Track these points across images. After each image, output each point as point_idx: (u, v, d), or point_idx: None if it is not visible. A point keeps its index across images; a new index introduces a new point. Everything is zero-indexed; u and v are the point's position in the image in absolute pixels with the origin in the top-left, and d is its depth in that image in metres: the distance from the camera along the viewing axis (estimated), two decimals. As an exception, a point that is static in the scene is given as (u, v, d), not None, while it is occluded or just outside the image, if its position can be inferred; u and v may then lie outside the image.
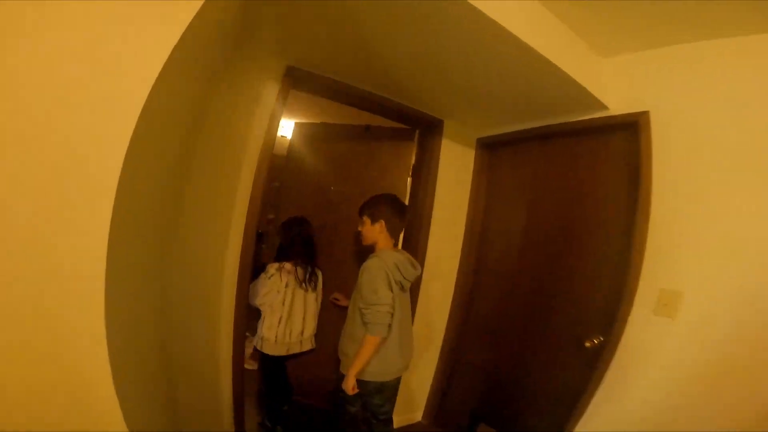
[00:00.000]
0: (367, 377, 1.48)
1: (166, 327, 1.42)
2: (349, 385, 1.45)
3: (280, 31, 1.49)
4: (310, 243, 2.12)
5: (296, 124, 2.82)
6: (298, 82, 1.79)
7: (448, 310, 2.45)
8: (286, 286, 1.97)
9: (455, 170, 2.36)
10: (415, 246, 2.23)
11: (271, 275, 1.96)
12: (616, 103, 1.70)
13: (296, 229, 2.08)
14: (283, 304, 1.97)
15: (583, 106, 1.75)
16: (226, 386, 1.75)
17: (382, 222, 1.56)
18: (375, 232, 1.57)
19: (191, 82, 0.98)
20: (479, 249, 2.39)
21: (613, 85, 1.70)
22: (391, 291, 1.42)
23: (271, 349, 2.02)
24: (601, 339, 1.60)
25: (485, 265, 2.36)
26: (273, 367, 2.11)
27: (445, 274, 2.41)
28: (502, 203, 2.32)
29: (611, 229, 1.71)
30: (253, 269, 1.75)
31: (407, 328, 1.62)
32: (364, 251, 1.72)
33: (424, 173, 2.27)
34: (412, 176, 2.37)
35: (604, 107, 1.72)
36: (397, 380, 1.61)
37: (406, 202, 2.33)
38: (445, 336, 2.45)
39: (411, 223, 2.29)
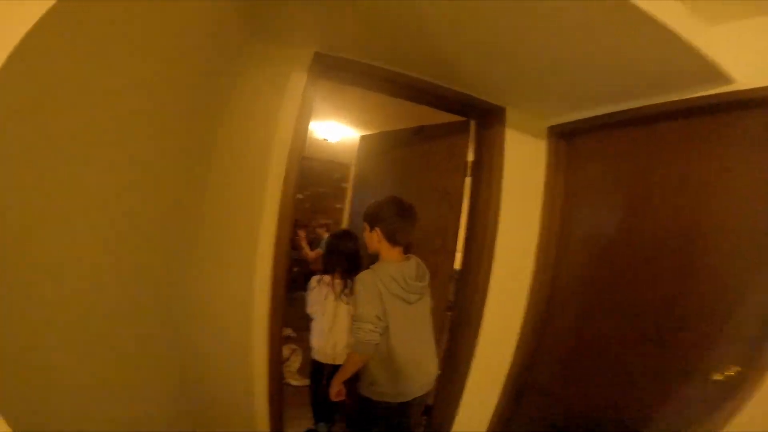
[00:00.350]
0: (382, 398, 1.37)
1: (183, 343, 1.32)
2: (333, 391, 1.45)
3: (303, 12, 1.26)
4: (353, 257, 2.02)
5: (361, 137, 2.86)
6: (329, 70, 1.56)
7: (517, 330, 2.07)
8: (325, 298, 1.96)
9: (522, 166, 1.97)
10: (478, 256, 1.90)
11: (312, 288, 2.02)
12: (744, 74, 1.27)
13: (339, 243, 2.05)
14: (324, 315, 1.96)
15: (696, 79, 1.33)
16: (262, 409, 1.57)
17: (378, 229, 1.42)
18: (373, 240, 1.45)
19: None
20: (558, 259, 1.98)
21: (735, 53, 1.28)
22: (381, 307, 1.31)
23: (317, 356, 2.02)
24: (739, 370, 1.23)
25: (565, 279, 1.95)
26: (316, 373, 2.06)
27: (514, 288, 2.04)
28: (587, 204, 1.90)
29: (754, 236, 1.25)
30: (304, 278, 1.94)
31: (420, 344, 1.45)
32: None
33: (486, 171, 1.93)
34: (472, 175, 2.03)
35: (728, 80, 1.29)
36: (421, 399, 1.49)
37: (465, 205, 2.03)
38: (513, 360, 2.08)
39: (471, 231, 1.98)
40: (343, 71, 1.60)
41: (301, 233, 3.87)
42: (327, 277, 1.99)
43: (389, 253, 1.43)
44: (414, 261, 1.47)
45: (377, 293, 1.31)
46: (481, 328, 1.94)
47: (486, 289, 1.91)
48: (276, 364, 1.55)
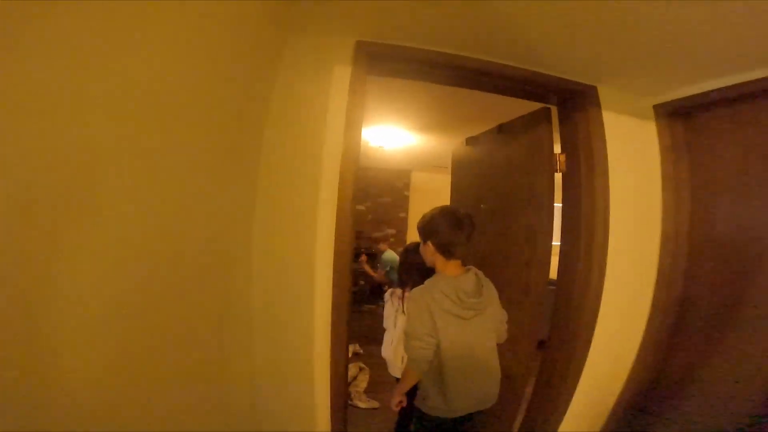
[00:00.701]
0: (433, 412, 1.34)
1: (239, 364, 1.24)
2: (393, 402, 1.47)
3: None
4: (426, 270, 1.92)
5: (453, 149, 2.73)
6: (377, 61, 1.38)
7: (635, 351, 1.72)
8: (396, 311, 1.99)
9: (626, 154, 1.61)
10: (587, 266, 1.56)
11: (387, 300, 2.08)
12: None
13: (411, 256, 1.98)
14: (394, 328, 1.99)
15: None
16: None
17: (429, 243, 1.36)
18: (428, 253, 1.40)
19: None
20: (689, 266, 1.60)
21: None
22: (432, 323, 1.25)
23: (390, 369, 2.04)
24: None
25: (701, 290, 1.56)
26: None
27: (630, 303, 1.68)
28: (728, 196, 1.49)
29: None
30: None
31: (476, 362, 1.36)
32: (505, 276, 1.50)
33: (583, 163, 1.59)
34: (563, 170, 1.70)
35: None
36: (484, 419, 1.43)
37: (557, 205, 1.74)
38: (624, 387, 1.73)
39: (570, 237, 1.66)
40: (394, 61, 1.40)
41: (363, 258, 3.97)
42: (399, 291, 2.01)
43: (444, 266, 1.36)
44: (472, 275, 1.37)
45: (427, 310, 1.26)
46: (589, 351, 1.61)
47: (597, 307, 1.57)
48: (340, 386, 1.41)
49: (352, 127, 1.31)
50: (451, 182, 2.63)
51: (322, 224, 1.34)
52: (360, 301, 5.25)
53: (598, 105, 1.55)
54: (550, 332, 1.76)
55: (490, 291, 1.38)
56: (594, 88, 1.57)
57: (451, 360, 1.28)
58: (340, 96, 1.32)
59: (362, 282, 5.39)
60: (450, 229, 1.32)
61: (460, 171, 2.53)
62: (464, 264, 1.39)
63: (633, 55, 1.35)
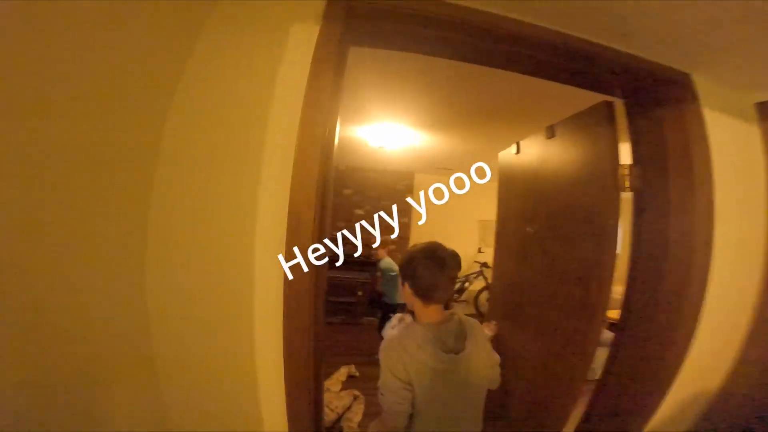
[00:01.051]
0: None
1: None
2: None
3: None
4: None
5: (499, 154, 2.39)
6: (363, 21, 0.98)
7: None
8: None
9: (721, 167, 1.20)
10: (674, 317, 1.17)
11: (393, 326, 1.88)
12: None
13: None
14: None
15: None
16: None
17: (406, 284, 1.26)
18: (406, 295, 1.29)
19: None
20: None
21: None
22: (407, 377, 1.13)
23: None
24: None
25: None
26: None
27: (712, 360, 1.31)
28: None
29: None
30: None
31: (449, 419, 1.24)
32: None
33: (674, 178, 1.18)
34: (636, 187, 1.29)
35: None
36: None
37: (624, 233, 1.36)
38: None
39: (645, 276, 1.26)
40: (387, 20, 1.00)
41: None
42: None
43: (423, 312, 1.24)
44: (454, 322, 1.25)
45: (401, 362, 1.16)
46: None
47: (679, 366, 1.18)
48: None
49: (314, 112, 0.92)
50: (498, 197, 2.28)
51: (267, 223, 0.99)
52: (358, 313, 4.88)
53: (695, 99, 1.15)
54: (605, 379, 1.39)
55: (477, 338, 1.25)
56: (687, 76, 1.17)
57: (424, 418, 1.19)
58: (300, 70, 0.93)
59: (360, 293, 5.01)
60: (430, 270, 1.20)
61: (507, 183, 2.15)
62: (449, 307, 1.27)
63: (736, 32, 0.97)
